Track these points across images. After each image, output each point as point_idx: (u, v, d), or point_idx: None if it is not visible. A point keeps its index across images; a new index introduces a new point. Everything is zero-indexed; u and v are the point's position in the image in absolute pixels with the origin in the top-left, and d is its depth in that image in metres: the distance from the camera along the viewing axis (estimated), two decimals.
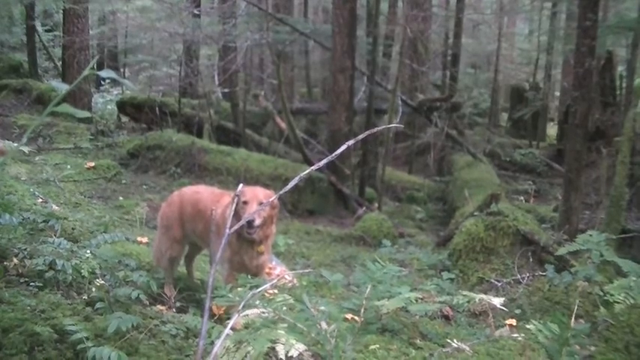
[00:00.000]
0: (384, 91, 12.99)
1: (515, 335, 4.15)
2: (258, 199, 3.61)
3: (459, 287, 5.37)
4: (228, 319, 2.77)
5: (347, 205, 9.98)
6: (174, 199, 4.25)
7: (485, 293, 5.21)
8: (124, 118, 14.08)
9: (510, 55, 22.20)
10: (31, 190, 6.01)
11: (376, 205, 9.87)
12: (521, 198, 11.18)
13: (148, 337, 3.07)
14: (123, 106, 13.92)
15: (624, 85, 11.46)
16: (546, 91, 17.39)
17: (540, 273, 5.41)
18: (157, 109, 12.48)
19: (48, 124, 10.89)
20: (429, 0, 16.19)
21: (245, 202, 3.61)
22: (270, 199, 3.57)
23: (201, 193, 4.17)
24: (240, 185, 3.11)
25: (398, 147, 14.70)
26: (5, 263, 3.51)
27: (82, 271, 3.47)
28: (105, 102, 16.70)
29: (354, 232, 8.17)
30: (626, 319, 3.83)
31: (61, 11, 14.59)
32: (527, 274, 5.51)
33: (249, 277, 3.52)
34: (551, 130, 18.88)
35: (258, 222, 3.61)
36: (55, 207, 5.69)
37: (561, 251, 4.94)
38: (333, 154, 1.56)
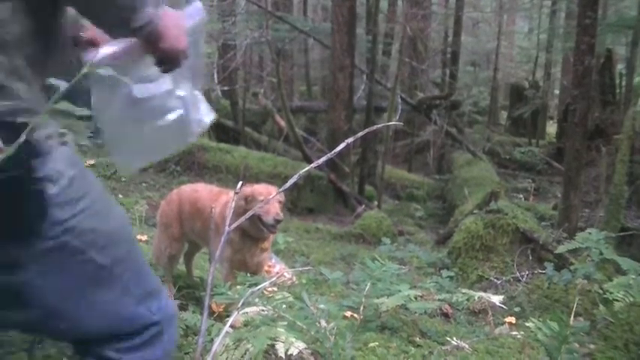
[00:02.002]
0: (384, 89, 12.99)
1: (515, 333, 4.15)
2: (275, 196, 3.60)
3: (459, 285, 5.38)
4: (228, 317, 2.77)
5: (346, 203, 9.99)
6: (173, 198, 4.25)
7: (485, 291, 5.22)
8: None
9: (510, 53, 22.21)
10: None
11: (376, 203, 9.88)
12: (521, 196, 11.19)
13: None
14: None
15: (624, 83, 11.46)
16: (546, 90, 17.39)
17: (540, 271, 5.42)
18: None
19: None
20: None
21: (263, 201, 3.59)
22: (274, 194, 3.57)
23: (200, 191, 4.17)
24: (240, 183, 3.11)
25: (397, 145, 14.70)
26: None
27: None
28: None
29: (354, 230, 8.17)
30: (626, 317, 3.83)
31: None
32: (527, 272, 5.51)
33: (249, 275, 3.52)
34: (551, 128, 18.88)
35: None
36: None
37: (561, 249, 4.94)
38: (333, 152, 1.56)
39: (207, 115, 1.63)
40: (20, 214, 1.12)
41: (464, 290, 5.24)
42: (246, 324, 2.96)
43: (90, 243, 1.26)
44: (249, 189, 3.68)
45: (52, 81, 1.09)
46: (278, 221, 3.58)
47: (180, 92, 1.52)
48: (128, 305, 1.39)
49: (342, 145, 1.58)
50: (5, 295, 1.18)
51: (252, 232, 3.70)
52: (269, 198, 3.53)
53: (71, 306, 1.23)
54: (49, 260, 1.18)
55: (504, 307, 4.56)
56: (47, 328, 1.26)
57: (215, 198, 3.95)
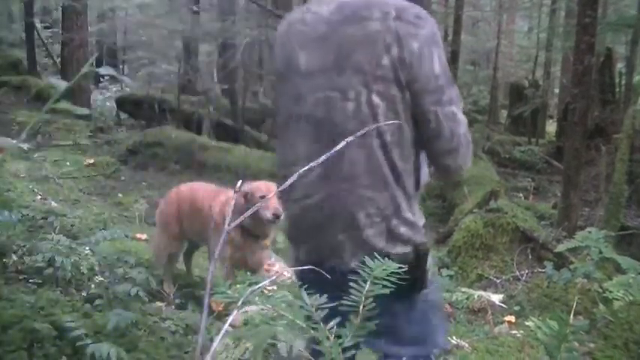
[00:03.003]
0: None
1: (514, 332, 4.15)
2: (273, 191, 3.58)
3: (458, 284, 5.37)
4: (228, 315, 2.78)
5: None
6: (172, 197, 4.25)
7: (485, 290, 5.21)
8: (123, 115, 14.06)
9: (510, 52, 22.17)
10: (30, 186, 6.01)
11: None
12: (521, 195, 11.17)
13: (147, 334, 3.07)
14: (122, 103, 13.90)
15: (624, 82, 11.45)
16: (546, 89, 17.37)
17: (539, 270, 5.41)
18: (156, 105, 12.47)
19: (47, 121, 10.87)
20: None
21: (263, 197, 3.56)
22: (275, 191, 3.56)
23: (198, 190, 4.17)
24: (240, 182, 3.11)
25: None
26: (4, 260, 3.52)
27: (81, 267, 3.48)
28: (104, 99, 16.70)
29: None
30: (626, 316, 3.84)
31: (60, 8, 14.57)
32: (527, 271, 5.51)
33: (248, 273, 3.53)
34: (551, 127, 18.85)
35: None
36: (54, 204, 5.69)
37: (560, 248, 4.94)
38: (332, 151, 1.55)
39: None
40: (417, 286, 1.86)
41: (463, 289, 5.23)
42: (245, 323, 2.96)
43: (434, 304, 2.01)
44: (247, 186, 3.68)
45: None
46: (277, 216, 3.55)
47: None
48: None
49: (341, 144, 1.57)
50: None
51: (254, 229, 3.69)
52: (269, 195, 3.53)
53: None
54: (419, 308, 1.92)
55: (504, 305, 4.57)
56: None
57: (213, 197, 3.94)
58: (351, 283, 1.73)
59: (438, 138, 1.88)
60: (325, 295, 1.76)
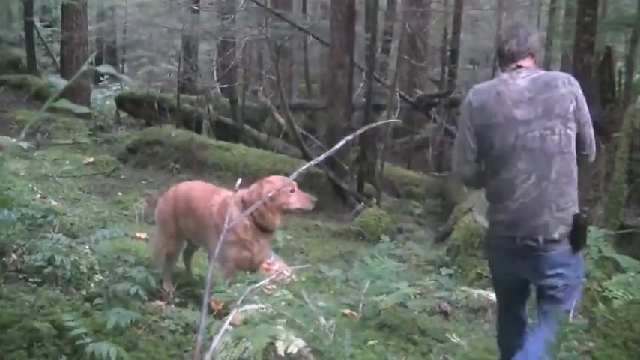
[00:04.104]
0: (383, 86, 12.97)
1: None
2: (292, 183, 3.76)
3: (458, 283, 5.38)
4: (227, 314, 2.77)
5: (345, 201, 9.97)
6: (170, 195, 4.24)
7: (484, 289, 5.22)
8: (123, 114, 14.06)
9: None
10: (30, 185, 6.01)
11: (375, 200, 9.86)
12: None
13: (146, 333, 3.08)
14: (122, 101, 13.89)
15: (623, 81, 11.44)
16: None
17: None
18: (155, 104, 12.46)
19: (47, 120, 10.88)
20: None
21: (292, 190, 3.74)
22: (287, 183, 3.63)
23: (195, 190, 4.16)
24: (240, 181, 3.11)
25: (396, 143, 14.67)
26: (4, 259, 3.52)
27: (81, 266, 3.48)
28: (104, 97, 16.69)
29: (353, 228, 8.17)
30: (625, 315, 3.84)
31: (60, 7, 14.56)
32: None
33: (248, 272, 3.52)
34: None
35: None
36: (53, 202, 5.69)
37: None
38: (332, 150, 1.56)
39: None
40: (582, 244, 3.13)
41: (463, 288, 5.24)
42: (245, 322, 2.96)
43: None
44: (267, 185, 3.71)
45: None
46: (313, 202, 3.80)
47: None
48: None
49: (341, 143, 1.58)
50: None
51: (275, 221, 3.70)
52: (284, 188, 3.62)
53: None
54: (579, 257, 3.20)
55: None
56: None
57: (208, 197, 3.93)
58: (552, 250, 3.01)
59: (589, 147, 3.18)
60: (519, 260, 3.09)
